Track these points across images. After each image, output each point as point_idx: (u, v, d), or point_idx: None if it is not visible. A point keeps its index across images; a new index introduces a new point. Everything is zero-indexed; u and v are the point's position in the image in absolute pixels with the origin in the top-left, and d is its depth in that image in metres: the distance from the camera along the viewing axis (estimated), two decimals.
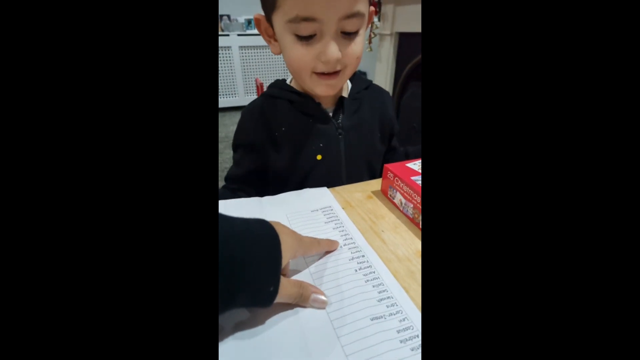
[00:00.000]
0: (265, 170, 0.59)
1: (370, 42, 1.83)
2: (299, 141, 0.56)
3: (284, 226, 0.34)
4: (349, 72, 0.51)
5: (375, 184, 0.54)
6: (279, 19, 0.46)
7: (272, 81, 0.60)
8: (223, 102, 3.39)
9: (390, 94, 1.65)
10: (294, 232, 0.34)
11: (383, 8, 1.74)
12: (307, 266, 0.36)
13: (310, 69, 0.49)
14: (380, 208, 0.47)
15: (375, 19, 1.75)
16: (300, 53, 0.47)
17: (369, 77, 2.21)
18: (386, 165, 0.49)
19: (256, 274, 0.28)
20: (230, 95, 3.41)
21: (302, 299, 0.31)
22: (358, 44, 0.48)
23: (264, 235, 0.30)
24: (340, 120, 0.57)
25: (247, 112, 0.59)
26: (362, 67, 2.30)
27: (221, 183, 0.60)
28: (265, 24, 0.51)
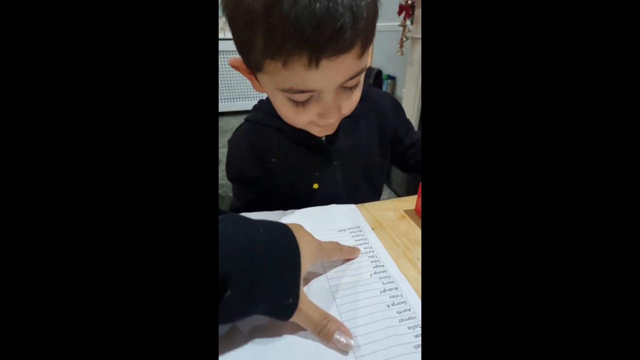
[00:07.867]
0: (266, 201, 0.54)
1: (401, 47, 1.76)
2: (293, 172, 0.52)
3: (304, 232, 0.32)
4: (346, 115, 0.43)
5: (409, 201, 0.49)
6: (266, 81, 0.37)
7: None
8: (249, 105, 3.43)
9: (420, 98, 1.59)
10: (314, 240, 0.33)
11: (415, 11, 1.68)
12: (325, 272, 0.35)
13: (306, 124, 0.41)
14: (414, 231, 0.42)
15: (408, 22, 1.67)
16: (294, 114, 0.39)
17: (399, 82, 2.15)
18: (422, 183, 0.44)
19: (275, 282, 0.27)
20: (255, 99, 3.43)
21: (324, 334, 0.27)
22: (358, 92, 0.41)
23: (284, 243, 0.29)
24: (335, 145, 0.52)
25: (233, 143, 0.53)
26: (392, 72, 2.22)
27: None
28: (245, 67, 0.39)
